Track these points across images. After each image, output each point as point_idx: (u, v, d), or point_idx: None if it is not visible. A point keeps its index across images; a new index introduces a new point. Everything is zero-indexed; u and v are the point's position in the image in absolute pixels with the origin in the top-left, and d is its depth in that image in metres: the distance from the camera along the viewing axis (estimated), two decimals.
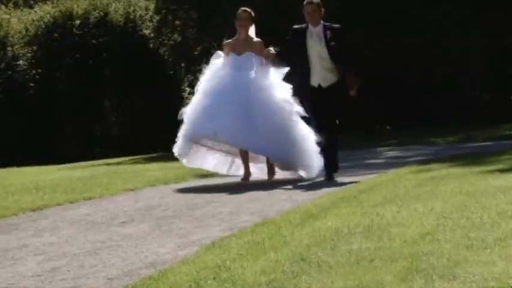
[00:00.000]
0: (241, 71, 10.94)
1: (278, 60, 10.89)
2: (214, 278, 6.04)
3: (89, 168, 15.31)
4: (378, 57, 29.88)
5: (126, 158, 31.13)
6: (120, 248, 8.14)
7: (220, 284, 5.88)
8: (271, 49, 11.03)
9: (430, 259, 6.03)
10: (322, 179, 12.05)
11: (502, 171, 11.99)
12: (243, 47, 11.14)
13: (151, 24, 39.73)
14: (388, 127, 23.30)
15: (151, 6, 35.45)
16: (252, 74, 10.87)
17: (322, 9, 10.64)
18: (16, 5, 32.92)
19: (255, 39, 11.39)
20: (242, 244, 7.60)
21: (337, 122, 11.32)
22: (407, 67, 30.33)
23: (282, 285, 5.63)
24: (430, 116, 24.70)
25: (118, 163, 26.62)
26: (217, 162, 12.45)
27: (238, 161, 12.59)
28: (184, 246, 7.94)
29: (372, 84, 25.48)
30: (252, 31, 11.49)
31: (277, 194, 11.56)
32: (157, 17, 38.38)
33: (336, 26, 10.83)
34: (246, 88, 10.89)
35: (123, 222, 9.82)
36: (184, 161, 12.45)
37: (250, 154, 12.23)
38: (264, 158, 12.62)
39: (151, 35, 40.71)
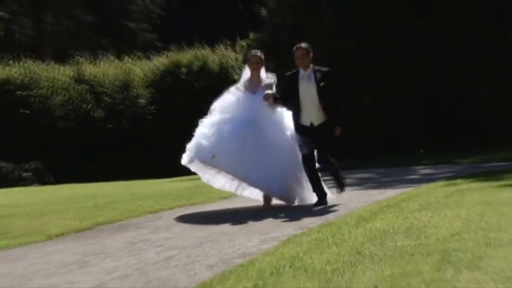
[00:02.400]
0: (255, 107, 10.30)
1: (277, 100, 10.23)
2: (290, 266, 6.05)
3: (194, 181, 15.28)
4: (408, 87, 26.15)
5: None
6: (217, 242, 8.19)
7: (295, 271, 5.87)
8: (270, 92, 10.30)
9: (458, 254, 5.96)
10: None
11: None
12: (256, 87, 10.45)
13: (240, 71, 39.76)
14: (421, 151, 22.95)
15: (240, 58, 35.50)
16: (264, 110, 10.26)
17: (311, 53, 10.10)
18: (139, 57, 33.26)
19: (266, 80, 10.61)
20: (311, 240, 7.57)
21: (329, 155, 10.44)
22: (442, 97, 26.53)
23: (343, 273, 5.58)
24: (457, 140, 23.91)
25: None
26: (226, 182, 11.09)
27: (244, 184, 11.04)
28: (266, 241, 7.95)
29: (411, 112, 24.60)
30: (262, 70, 10.68)
31: (330, 204, 11.50)
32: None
33: (325, 69, 10.28)
34: (258, 123, 10.21)
35: (219, 223, 9.75)
36: (194, 167, 10.99)
37: None
38: None
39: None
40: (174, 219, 10.65)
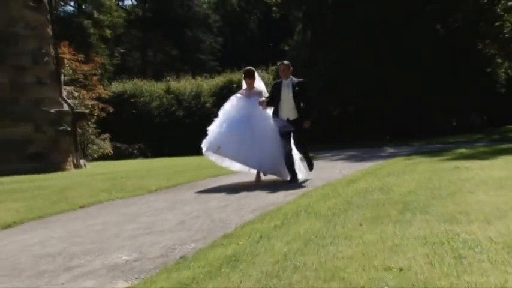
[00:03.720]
0: (248, 108, 9.90)
1: (267, 103, 9.82)
2: (304, 211, 6.09)
3: None
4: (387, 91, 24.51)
5: None
6: (256, 196, 8.22)
7: (308, 214, 5.90)
8: (263, 99, 9.88)
9: (414, 203, 5.99)
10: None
11: (449, 159, 11.81)
12: (250, 94, 10.10)
13: (269, 87, 38.32)
14: (387, 137, 22.54)
15: (271, 77, 34.32)
16: (255, 110, 9.87)
17: (291, 68, 9.82)
18: (206, 77, 33.28)
19: (258, 89, 10.24)
20: (317, 194, 7.62)
21: (302, 143, 10.02)
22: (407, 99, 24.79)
23: (339, 215, 5.68)
24: (411, 131, 23.59)
25: None
26: (240, 166, 10.42)
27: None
28: (288, 195, 7.93)
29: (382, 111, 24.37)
30: (256, 82, 10.31)
31: (333, 171, 11.56)
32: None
33: (300, 79, 9.89)
34: (251, 119, 9.76)
35: (256, 186, 9.73)
36: (212, 158, 10.39)
37: None
38: None
39: None
40: (227, 181, 10.77)
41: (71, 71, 21.44)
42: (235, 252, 4.52)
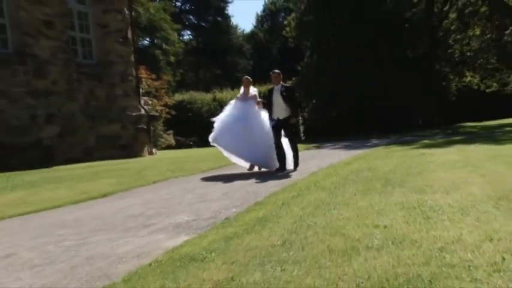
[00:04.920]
0: (245, 110, 8.94)
1: (263, 105, 8.91)
2: (314, 185, 6.01)
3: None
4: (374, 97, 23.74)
5: None
6: (276, 176, 8.15)
7: (316, 187, 5.82)
8: (260, 100, 9.04)
9: (393, 179, 5.90)
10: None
11: (417, 148, 11.58)
12: (247, 98, 9.12)
13: None
14: (374, 133, 22.16)
15: None
16: (251, 111, 8.94)
17: (281, 76, 8.86)
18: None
19: (252, 93, 9.21)
20: (323, 173, 7.52)
21: (291, 137, 8.85)
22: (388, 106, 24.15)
23: (339, 188, 5.61)
24: (392, 128, 23.27)
25: None
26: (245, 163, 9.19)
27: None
28: (301, 174, 7.84)
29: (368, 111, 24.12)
30: (251, 88, 9.32)
31: (333, 157, 11.37)
32: None
33: (288, 85, 9.15)
34: (247, 119, 8.82)
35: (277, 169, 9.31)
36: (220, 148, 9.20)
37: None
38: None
39: None
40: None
41: (146, 86, 21.54)
42: (265, 214, 4.50)
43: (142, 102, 17.43)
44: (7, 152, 12.33)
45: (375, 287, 2.48)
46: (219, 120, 9.16)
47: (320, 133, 23.64)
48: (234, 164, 9.61)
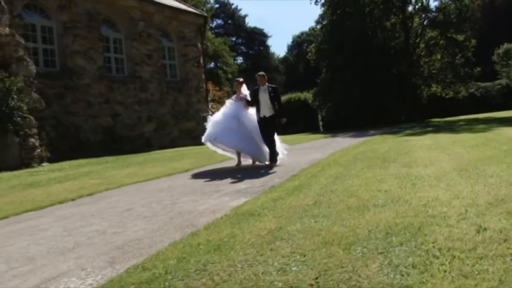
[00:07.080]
0: (237, 109, 7.10)
1: (248, 103, 7.05)
2: (333, 162, 5.96)
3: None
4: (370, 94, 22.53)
5: None
6: (287, 167, 7.76)
7: (335, 164, 5.76)
8: (242, 95, 7.18)
9: (388, 157, 5.76)
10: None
11: (403, 136, 11.18)
12: (238, 98, 7.15)
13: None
14: (370, 124, 21.07)
15: (308, 96, 26.97)
16: (242, 110, 7.09)
17: (266, 77, 7.19)
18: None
19: (243, 94, 7.26)
20: (338, 154, 7.39)
21: (275, 134, 7.00)
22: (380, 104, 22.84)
23: (351, 164, 5.53)
24: (382, 122, 22.39)
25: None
26: (225, 152, 7.48)
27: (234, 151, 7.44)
28: (307, 164, 7.46)
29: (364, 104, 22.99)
30: (243, 89, 7.36)
31: (344, 143, 10.95)
32: None
33: (274, 86, 7.26)
34: (239, 117, 7.06)
35: (317, 150, 8.86)
36: (209, 145, 7.37)
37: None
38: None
39: None
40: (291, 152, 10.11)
41: (212, 95, 21.71)
42: (299, 183, 4.46)
43: (209, 106, 17.70)
44: (123, 141, 12.92)
45: (381, 232, 2.44)
46: (212, 121, 7.35)
47: (334, 126, 23.83)
48: None
